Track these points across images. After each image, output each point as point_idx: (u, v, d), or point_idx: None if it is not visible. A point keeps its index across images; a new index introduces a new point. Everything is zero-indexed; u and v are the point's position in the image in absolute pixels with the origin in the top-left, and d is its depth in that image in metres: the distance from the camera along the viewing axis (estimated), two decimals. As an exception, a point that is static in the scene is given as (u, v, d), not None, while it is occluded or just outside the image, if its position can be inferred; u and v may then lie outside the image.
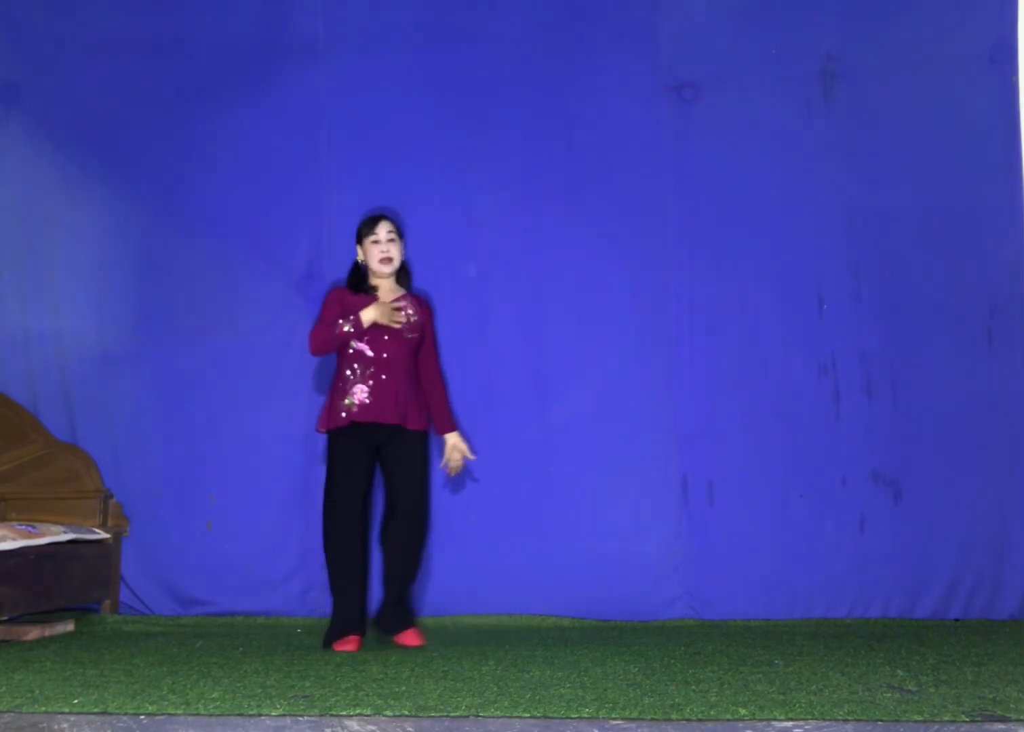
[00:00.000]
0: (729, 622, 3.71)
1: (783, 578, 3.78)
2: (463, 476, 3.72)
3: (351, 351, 3.22)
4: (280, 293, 4.12)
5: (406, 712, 1.97)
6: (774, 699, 2.08)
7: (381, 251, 3.26)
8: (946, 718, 1.86)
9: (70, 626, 3.57)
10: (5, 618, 3.32)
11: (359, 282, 3.31)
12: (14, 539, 3.34)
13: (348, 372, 3.21)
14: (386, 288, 3.31)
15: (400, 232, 3.34)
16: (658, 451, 3.89)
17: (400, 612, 3.19)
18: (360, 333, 3.17)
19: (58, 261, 4.25)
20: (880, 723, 1.84)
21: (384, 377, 3.18)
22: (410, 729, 1.87)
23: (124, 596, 4.02)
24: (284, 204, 4.16)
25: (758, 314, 3.93)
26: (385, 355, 3.19)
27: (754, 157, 3.99)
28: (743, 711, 1.94)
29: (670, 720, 1.89)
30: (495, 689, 2.25)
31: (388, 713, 1.97)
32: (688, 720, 1.89)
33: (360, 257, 3.33)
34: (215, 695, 2.19)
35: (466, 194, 4.01)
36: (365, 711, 1.98)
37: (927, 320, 3.87)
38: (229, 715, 1.98)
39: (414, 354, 3.29)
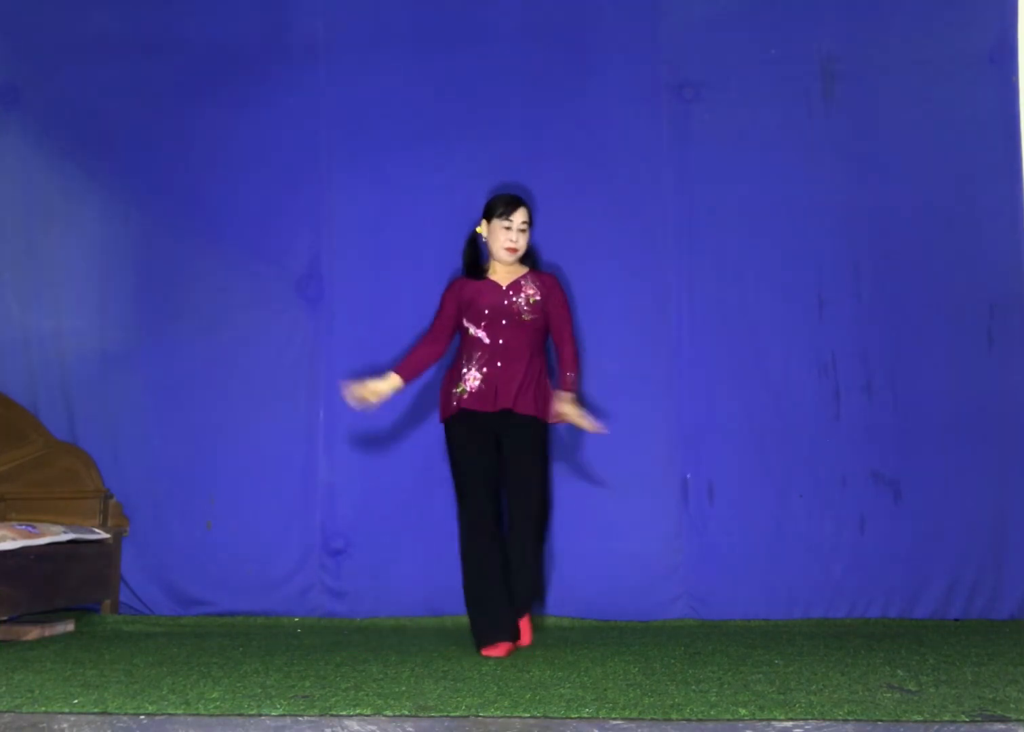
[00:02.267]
0: (729, 622, 3.71)
1: (783, 578, 3.78)
2: None
3: (469, 337, 3.15)
4: (280, 293, 4.12)
5: (406, 712, 1.97)
6: (774, 699, 2.08)
7: (510, 240, 3.14)
8: (946, 718, 1.86)
9: (70, 626, 3.57)
10: (5, 618, 3.32)
11: (474, 262, 3.23)
12: (14, 539, 3.34)
13: (464, 359, 3.15)
14: (504, 271, 3.21)
15: (532, 222, 3.22)
16: (658, 451, 3.89)
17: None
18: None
19: (58, 261, 4.25)
20: (880, 723, 1.84)
21: (500, 364, 3.09)
22: (410, 729, 1.87)
23: (124, 596, 4.02)
24: (284, 204, 4.16)
25: (758, 314, 3.93)
26: (501, 342, 3.10)
27: (754, 157, 3.99)
28: (743, 711, 1.94)
29: (670, 720, 1.89)
30: (495, 689, 2.25)
31: (388, 713, 1.97)
32: (688, 720, 1.89)
33: (482, 231, 3.22)
34: (215, 695, 2.19)
35: (466, 194, 4.00)
36: (365, 711, 1.98)
37: (927, 320, 3.87)
38: (229, 715, 1.98)
39: (537, 335, 3.17)
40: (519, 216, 3.15)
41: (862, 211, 3.93)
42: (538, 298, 3.16)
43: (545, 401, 3.13)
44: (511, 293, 3.15)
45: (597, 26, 4.11)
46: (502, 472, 3.10)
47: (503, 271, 3.22)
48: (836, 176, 3.95)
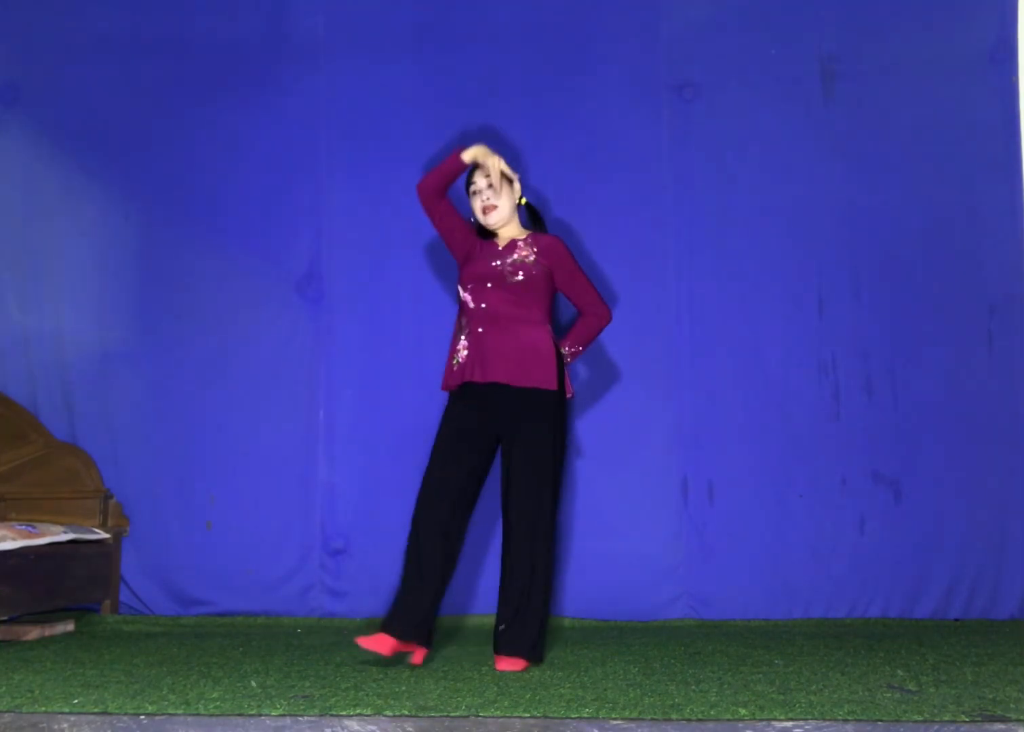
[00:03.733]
0: (729, 622, 3.71)
1: (783, 578, 3.78)
2: None
3: (460, 301, 2.90)
4: (280, 293, 4.12)
5: (406, 712, 1.97)
6: (774, 699, 2.08)
7: (482, 201, 2.91)
8: (946, 718, 1.86)
9: (70, 626, 3.57)
10: (5, 618, 3.32)
11: (481, 228, 2.99)
12: (14, 539, 3.34)
13: (458, 327, 2.90)
14: (506, 235, 2.95)
15: (512, 178, 2.94)
16: (658, 451, 3.89)
17: (505, 633, 2.69)
18: (458, 163, 2.83)
19: (58, 261, 4.25)
20: (880, 723, 1.84)
21: (481, 330, 2.81)
22: (410, 729, 1.87)
23: (124, 596, 4.02)
24: (284, 204, 4.16)
25: (758, 314, 3.93)
26: (484, 306, 2.83)
27: (754, 157, 3.99)
28: (743, 711, 1.94)
29: (670, 720, 1.89)
30: (495, 689, 2.25)
31: (388, 713, 1.97)
32: (688, 720, 1.89)
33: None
34: (215, 695, 2.19)
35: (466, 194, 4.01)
36: (365, 711, 1.98)
37: (927, 320, 3.87)
38: (229, 715, 1.98)
39: (527, 301, 2.85)
40: (479, 176, 2.91)
41: (862, 211, 3.93)
42: (531, 259, 2.86)
43: (541, 369, 2.79)
44: (504, 253, 2.89)
45: (597, 26, 4.11)
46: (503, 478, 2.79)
47: (504, 235, 2.96)
48: (836, 176, 3.95)
